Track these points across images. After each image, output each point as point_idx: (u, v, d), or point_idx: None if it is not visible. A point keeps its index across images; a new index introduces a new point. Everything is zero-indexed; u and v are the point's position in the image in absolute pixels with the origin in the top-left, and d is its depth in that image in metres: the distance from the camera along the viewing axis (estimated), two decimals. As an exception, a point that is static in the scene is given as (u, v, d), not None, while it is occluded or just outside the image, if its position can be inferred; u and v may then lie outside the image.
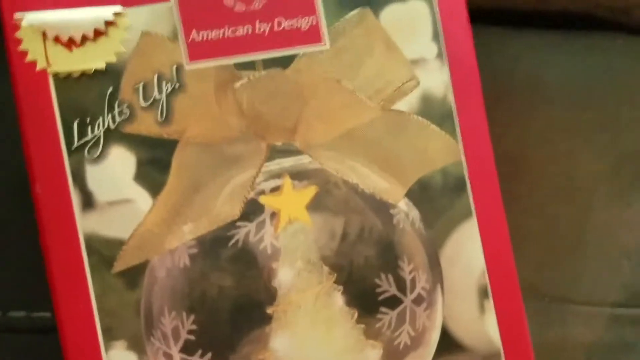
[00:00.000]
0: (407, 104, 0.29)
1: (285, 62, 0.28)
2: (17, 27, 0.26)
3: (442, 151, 0.30)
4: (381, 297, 0.28)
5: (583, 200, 0.40)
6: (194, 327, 0.27)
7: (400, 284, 0.28)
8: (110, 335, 0.26)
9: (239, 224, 0.27)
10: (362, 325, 0.28)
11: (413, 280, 0.29)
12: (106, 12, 0.27)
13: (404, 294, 0.29)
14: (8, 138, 0.35)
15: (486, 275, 0.30)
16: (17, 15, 0.26)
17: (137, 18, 0.27)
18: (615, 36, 0.43)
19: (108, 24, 0.27)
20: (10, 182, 0.35)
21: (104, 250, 0.26)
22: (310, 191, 0.28)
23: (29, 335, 0.34)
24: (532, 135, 0.40)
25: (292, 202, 0.28)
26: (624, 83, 0.42)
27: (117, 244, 0.26)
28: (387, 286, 0.28)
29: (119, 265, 0.26)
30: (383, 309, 0.28)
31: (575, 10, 0.43)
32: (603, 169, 0.40)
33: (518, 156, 0.39)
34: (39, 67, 0.26)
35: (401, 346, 0.28)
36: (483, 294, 0.30)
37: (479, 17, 0.32)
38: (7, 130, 0.35)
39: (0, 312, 0.34)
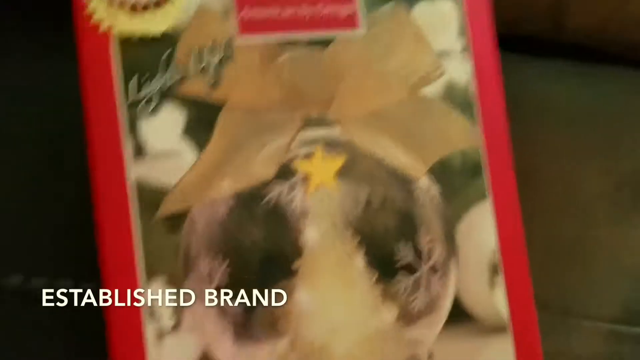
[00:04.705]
0: (432, 90, 0.32)
1: (324, 43, 0.31)
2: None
3: (462, 136, 0.32)
4: (399, 264, 0.30)
5: (585, 217, 0.41)
6: (226, 272, 0.29)
7: (418, 253, 0.30)
8: (151, 273, 0.28)
9: (272, 184, 0.29)
10: (380, 287, 0.30)
11: (429, 251, 0.30)
12: (168, -16, 0.30)
13: (421, 262, 0.30)
14: (46, 114, 0.37)
15: (498, 253, 0.32)
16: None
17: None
18: (622, 69, 0.45)
19: (169, -5, 0.30)
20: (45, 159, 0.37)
21: (151, 196, 0.28)
22: (339, 160, 0.30)
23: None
24: (539, 154, 0.41)
25: (322, 169, 0.30)
26: (626, 112, 0.44)
27: (162, 191, 0.28)
28: (405, 254, 0.30)
29: (163, 211, 0.28)
30: (400, 275, 0.30)
31: (589, 44, 0.46)
32: (605, 189, 0.42)
33: (525, 173, 0.39)
34: (103, 27, 0.29)
35: (415, 310, 0.30)
36: (494, 270, 0.31)
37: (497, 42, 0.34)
38: (43, 108, 0.37)
39: (48, 279, 0.35)
